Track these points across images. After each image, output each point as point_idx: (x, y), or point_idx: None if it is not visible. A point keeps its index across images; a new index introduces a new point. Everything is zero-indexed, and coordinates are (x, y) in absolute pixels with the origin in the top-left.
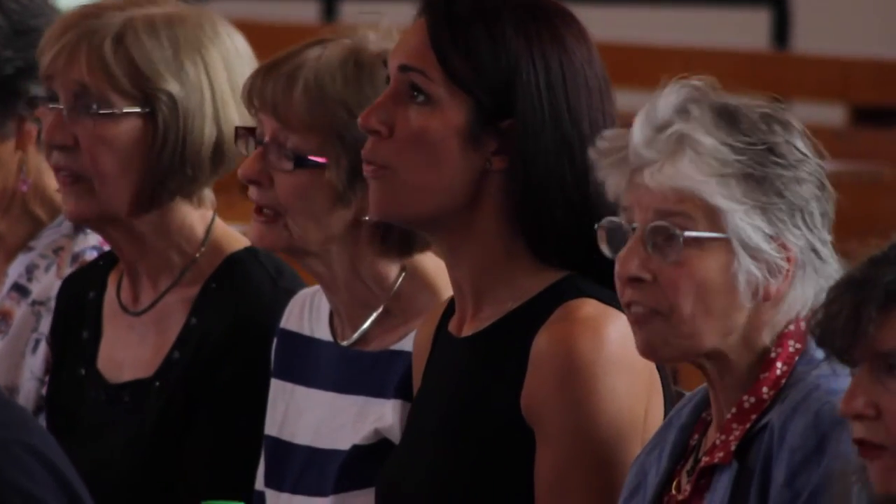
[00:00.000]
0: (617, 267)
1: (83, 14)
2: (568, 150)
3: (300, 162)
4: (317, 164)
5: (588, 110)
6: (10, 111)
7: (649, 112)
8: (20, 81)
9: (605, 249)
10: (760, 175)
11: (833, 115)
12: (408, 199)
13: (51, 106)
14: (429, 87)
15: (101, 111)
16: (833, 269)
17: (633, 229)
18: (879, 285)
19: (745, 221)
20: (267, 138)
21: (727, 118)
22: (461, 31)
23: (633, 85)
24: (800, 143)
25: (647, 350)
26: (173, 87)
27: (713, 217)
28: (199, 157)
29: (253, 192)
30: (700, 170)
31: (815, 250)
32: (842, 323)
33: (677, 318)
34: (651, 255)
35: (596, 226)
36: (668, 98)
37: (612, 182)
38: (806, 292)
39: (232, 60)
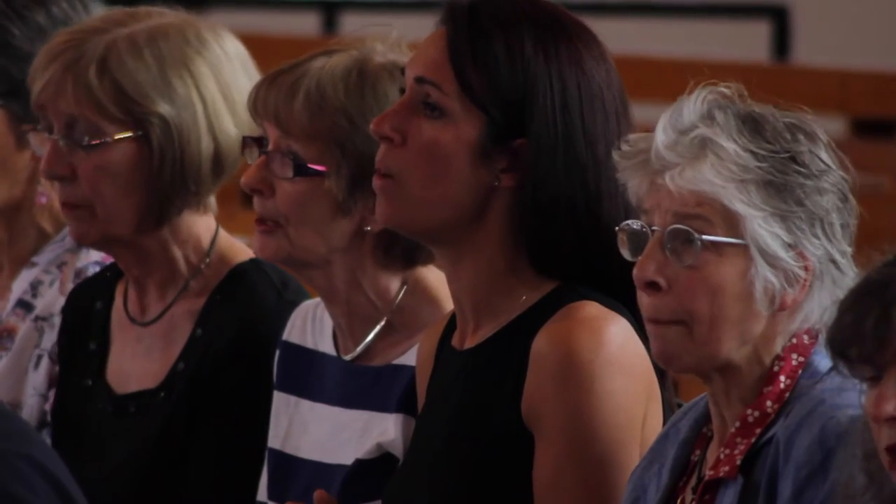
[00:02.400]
0: (635, 271)
1: (66, 42)
2: (580, 173)
3: (300, 170)
4: (317, 173)
5: (604, 133)
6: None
7: (674, 115)
8: None
9: (624, 253)
10: (781, 182)
11: (833, 126)
12: (414, 210)
13: (48, 136)
14: (443, 101)
15: (93, 142)
16: (851, 280)
17: (653, 232)
18: None
19: (764, 228)
20: (270, 146)
21: (752, 125)
22: (480, 46)
23: (631, 97)
24: (824, 155)
25: (663, 357)
26: (163, 108)
27: (732, 222)
28: (200, 172)
29: (256, 201)
30: (720, 174)
31: (833, 261)
32: (870, 327)
33: (696, 325)
34: (668, 259)
35: (617, 228)
36: (694, 103)
37: (633, 184)
38: (823, 303)
39: (221, 67)
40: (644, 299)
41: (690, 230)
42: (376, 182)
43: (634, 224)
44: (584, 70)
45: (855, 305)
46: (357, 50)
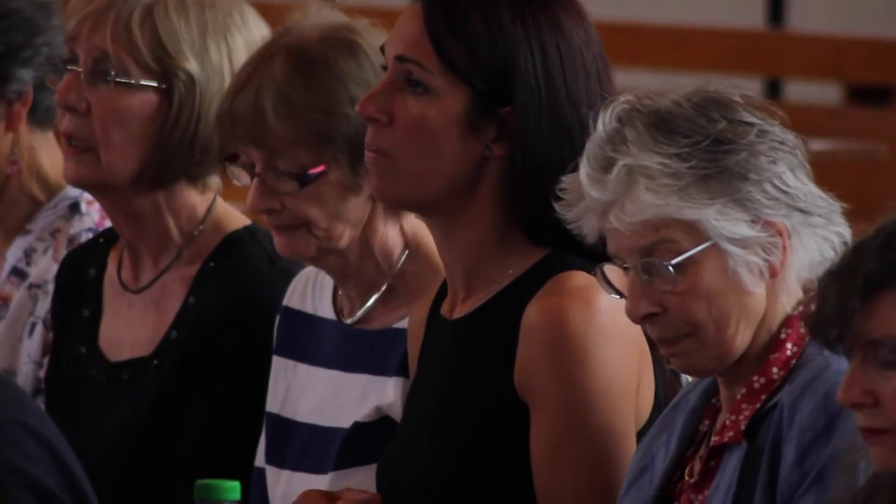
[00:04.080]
0: (627, 312)
1: None
2: (567, 135)
3: (303, 180)
4: (319, 174)
5: (587, 94)
6: None
7: (589, 154)
8: (5, 65)
9: (608, 290)
10: (716, 171)
11: (828, 93)
12: (407, 184)
13: (69, 67)
14: (426, 78)
15: (119, 80)
16: (824, 208)
17: (627, 270)
18: (860, 274)
19: (721, 220)
20: (259, 169)
21: (664, 128)
22: (458, 19)
23: (627, 64)
24: (743, 115)
25: (687, 370)
26: (193, 67)
27: (692, 231)
28: (210, 142)
29: (269, 217)
30: (658, 194)
31: (797, 208)
32: (829, 314)
33: (703, 332)
34: (653, 287)
35: (594, 270)
36: (601, 133)
37: (587, 229)
38: (809, 248)
39: (255, 49)
40: (648, 328)
41: (659, 260)
42: (368, 157)
43: (608, 267)
44: (563, 32)
45: (820, 292)
46: (288, 36)
